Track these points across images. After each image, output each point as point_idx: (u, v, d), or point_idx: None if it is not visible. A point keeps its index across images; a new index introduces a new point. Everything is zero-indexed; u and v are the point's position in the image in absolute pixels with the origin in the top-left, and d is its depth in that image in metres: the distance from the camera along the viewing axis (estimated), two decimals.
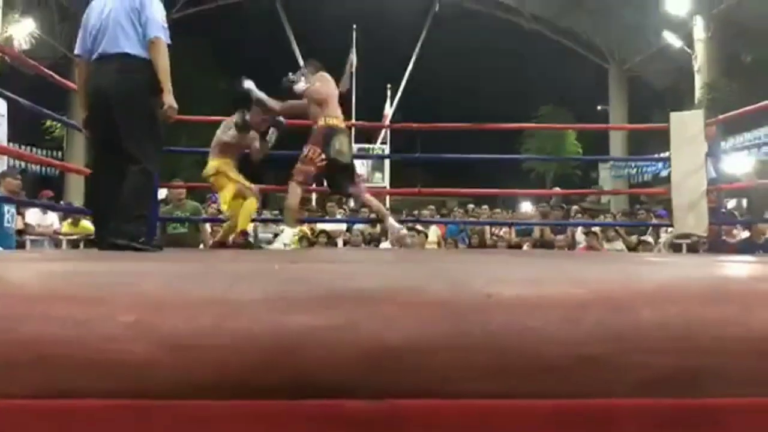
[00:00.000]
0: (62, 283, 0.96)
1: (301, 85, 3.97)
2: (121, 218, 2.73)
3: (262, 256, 2.48)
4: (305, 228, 6.78)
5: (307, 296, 0.77)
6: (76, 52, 3.00)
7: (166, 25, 2.89)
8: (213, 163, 4.13)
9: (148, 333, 0.69)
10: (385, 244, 6.90)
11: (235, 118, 4.08)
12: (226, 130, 4.14)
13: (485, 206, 9.27)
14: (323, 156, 3.80)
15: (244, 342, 0.69)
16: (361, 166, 15.73)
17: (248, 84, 4.10)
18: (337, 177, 4.01)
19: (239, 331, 0.70)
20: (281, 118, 4.21)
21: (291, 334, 0.70)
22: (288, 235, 3.78)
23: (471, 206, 9.75)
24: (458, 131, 5.60)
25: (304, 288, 0.84)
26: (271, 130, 4.18)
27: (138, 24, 2.81)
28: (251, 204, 4.03)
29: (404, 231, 4.15)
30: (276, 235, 6.77)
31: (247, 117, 4.04)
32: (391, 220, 4.21)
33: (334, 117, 3.89)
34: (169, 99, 2.88)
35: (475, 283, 0.88)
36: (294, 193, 3.82)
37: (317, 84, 3.93)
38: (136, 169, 2.79)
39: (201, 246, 5.48)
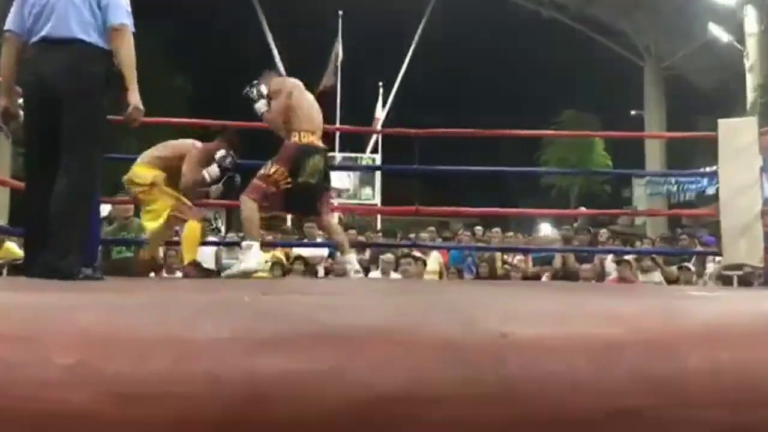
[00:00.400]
0: None
1: (261, 104, 3.94)
2: (54, 252, 2.64)
3: (226, 286, 2.48)
4: (278, 253, 6.76)
5: (281, 335, 0.77)
6: (7, 26, 2.91)
7: (130, 10, 2.88)
8: (149, 172, 4.00)
9: (89, 378, 0.69)
10: (374, 273, 6.90)
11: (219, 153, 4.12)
12: (196, 167, 4.07)
13: (496, 229, 9.31)
14: (289, 180, 3.75)
15: (205, 390, 0.69)
16: (346, 179, 15.88)
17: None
18: (304, 199, 3.93)
19: (200, 376, 0.70)
20: (237, 178, 4.28)
21: (262, 380, 0.70)
22: (254, 255, 3.68)
23: (479, 229, 9.77)
24: (463, 139, 5.64)
25: (278, 325, 0.84)
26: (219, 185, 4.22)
27: (96, 7, 2.79)
28: (194, 228, 3.94)
29: (355, 274, 4.12)
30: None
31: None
32: (350, 257, 4.15)
33: (310, 132, 3.85)
34: (134, 98, 2.87)
35: (486, 319, 0.88)
36: (247, 207, 3.75)
37: (285, 100, 3.86)
38: (72, 182, 2.71)
39: (152, 273, 5.45)
